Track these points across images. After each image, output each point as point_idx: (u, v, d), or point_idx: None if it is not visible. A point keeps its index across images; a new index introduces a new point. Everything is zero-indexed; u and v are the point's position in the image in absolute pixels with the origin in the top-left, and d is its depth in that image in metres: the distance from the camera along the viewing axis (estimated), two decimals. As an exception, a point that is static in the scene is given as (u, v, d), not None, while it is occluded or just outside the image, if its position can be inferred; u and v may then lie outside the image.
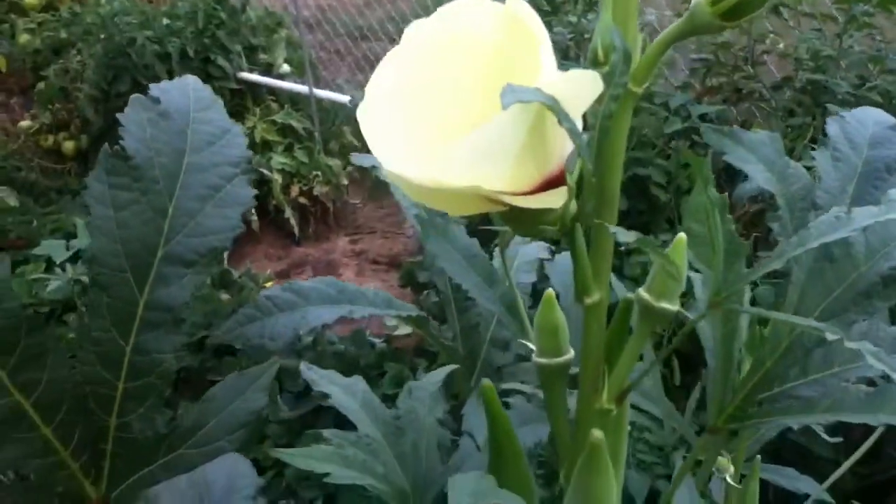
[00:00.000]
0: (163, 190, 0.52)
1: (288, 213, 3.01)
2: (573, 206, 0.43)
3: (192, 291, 0.51)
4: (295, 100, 3.15)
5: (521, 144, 0.37)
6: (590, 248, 0.45)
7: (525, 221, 0.42)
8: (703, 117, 2.14)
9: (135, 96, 0.54)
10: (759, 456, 0.87)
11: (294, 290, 0.77)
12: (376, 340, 2.61)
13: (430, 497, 0.59)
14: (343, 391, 0.63)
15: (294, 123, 3.08)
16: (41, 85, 3.37)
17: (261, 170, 2.89)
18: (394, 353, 2.58)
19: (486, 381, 0.49)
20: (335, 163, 3.09)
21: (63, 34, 3.45)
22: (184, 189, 0.52)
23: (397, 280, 3.06)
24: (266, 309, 0.75)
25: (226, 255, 3.21)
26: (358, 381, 0.65)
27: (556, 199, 0.41)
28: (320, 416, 2.42)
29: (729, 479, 0.85)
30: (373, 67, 0.42)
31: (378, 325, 2.90)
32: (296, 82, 3.12)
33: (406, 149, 0.39)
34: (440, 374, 0.66)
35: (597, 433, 0.44)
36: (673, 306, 0.46)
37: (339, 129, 3.18)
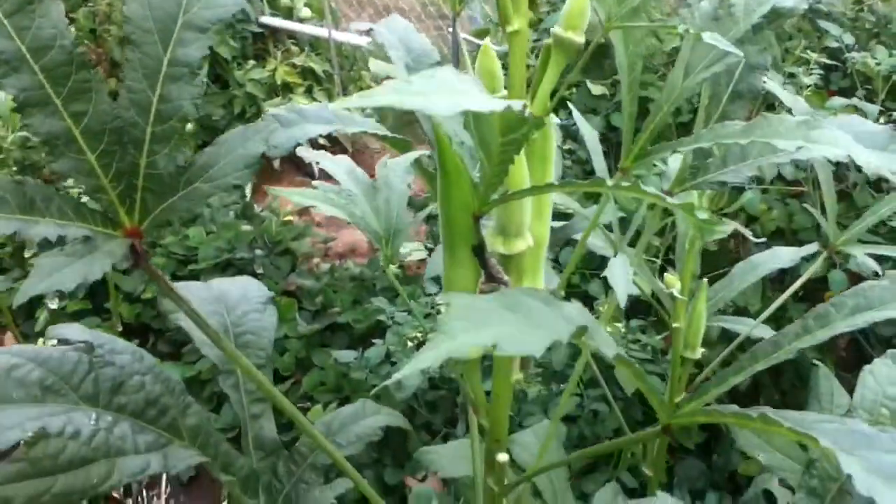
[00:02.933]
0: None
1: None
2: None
3: (203, 52, 0.64)
4: (315, 44, 3.28)
5: None
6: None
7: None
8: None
9: None
10: (705, 279, 1.00)
11: (296, 110, 0.90)
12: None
13: (399, 241, 0.72)
14: (332, 162, 0.76)
15: (314, 66, 3.21)
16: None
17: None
18: (407, 277, 2.71)
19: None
20: (353, 105, 3.21)
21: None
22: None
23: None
24: (272, 125, 0.88)
25: (248, 191, 3.35)
26: (345, 158, 0.78)
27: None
28: (335, 333, 2.57)
29: (676, 293, 0.97)
30: None
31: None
32: (316, 26, 3.25)
33: None
34: (411, 155, 0.78)
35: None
36: (579, 38, 0.58)
37: (358, 73, 3.31)
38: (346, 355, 2.25)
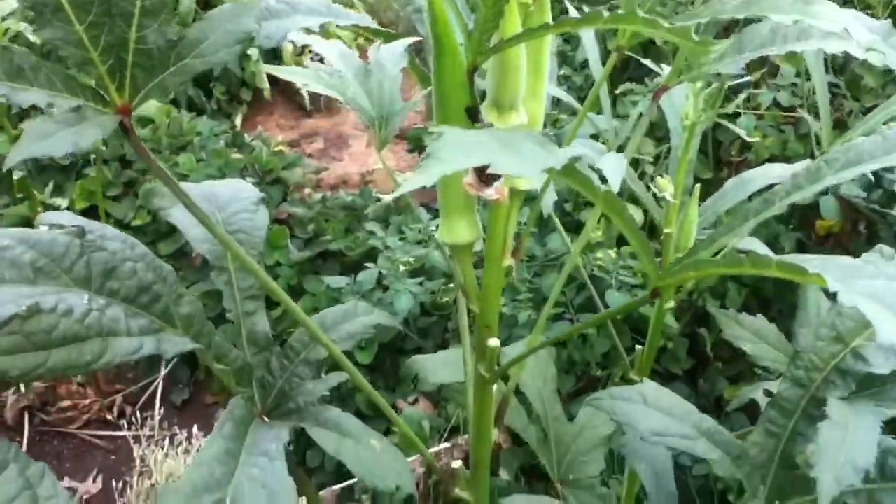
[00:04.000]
0: None
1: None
2: None
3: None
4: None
5: None
6: None
7: None
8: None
9: None
10: (698, 185, 0.99)
11: (287, 2, 0.88)
12: (382, 196, 2.74)
13: (393, 125, 0.71)
14: (325, 45, 0.75)
15: (306, -6, 3.14)
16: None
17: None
18: (398, 207, 2.71)
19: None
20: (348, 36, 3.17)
21: None
22: None
23: (405, 148, 3.17)
24: (263, 15, 0.87)
25: (238, 121, 3.32)
26: (337, 43, 0.77)
27: None
28: (327, 260, 2.58)
29: (668, 197, 0.97)
30: None
31: (386, 181, 3.03)
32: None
33: None
34: (406, 40, 0.78)
35: None
36: None
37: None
38: (338, 281, 2.26)
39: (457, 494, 0.81)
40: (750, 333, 0.90)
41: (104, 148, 2.86)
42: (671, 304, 0.98)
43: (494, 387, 0.78)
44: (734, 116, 1.82)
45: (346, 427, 0.82)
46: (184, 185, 1.02)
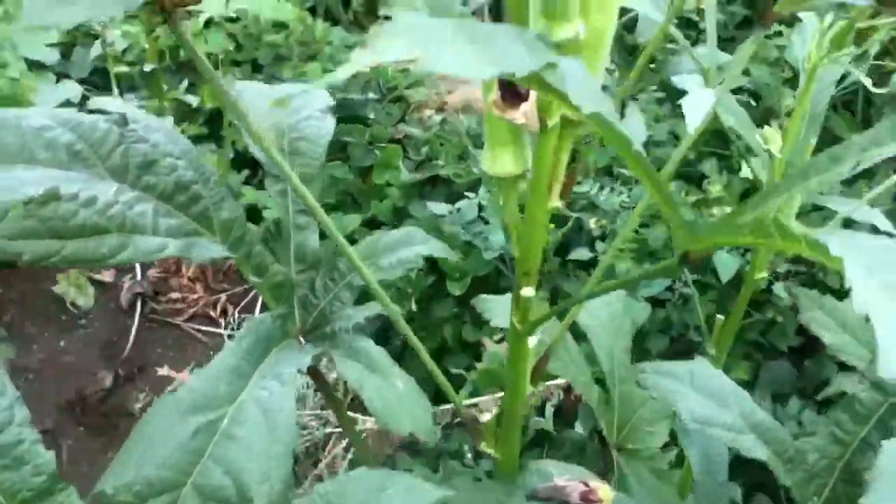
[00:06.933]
0: None
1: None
2: None
3: None
4: None
5: None
6: None
7: None
8: None
9: None
10: (813, 140, 0.87)
11: None
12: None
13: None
14: None
15: None
16: None
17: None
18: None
19: None
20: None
21: None
22: None
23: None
24: None
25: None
26: None
27: None
28: (436, 186, 2.53)
29: (774, 151, 0.86)
30: None
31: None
32: None
33: None
34: None
35: None
36: None
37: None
38: (441, 208, 2.21)
39: (483, 448, 0.75)
40: (832, 320, 0.78)
41: (233, 49, 2.89)
42: (763, 273, 0.87)
43: (534, 339, 0.71)
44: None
45: (375, 361, 0.77)
46: (260, 85, 0.99)
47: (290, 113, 0.91)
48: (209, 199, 0.76)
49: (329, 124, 0.90)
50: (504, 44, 0.31)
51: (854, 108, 1.78)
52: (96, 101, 0.77)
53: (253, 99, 0.90)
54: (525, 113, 0.46)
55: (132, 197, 0.69)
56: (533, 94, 0.46)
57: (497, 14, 2.13)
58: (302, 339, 0.84)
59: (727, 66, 0.77)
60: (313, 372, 0.89)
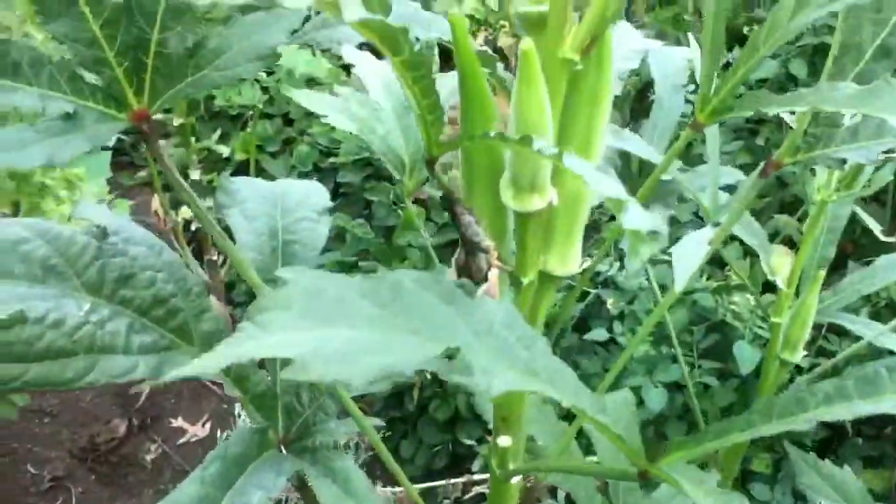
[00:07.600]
0: None
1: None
2: None
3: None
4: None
5: None
6: None
7: None
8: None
9: None
10: (822, 271, 0.83)
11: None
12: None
13: (424, 174, 0.62)
14: (370, 68, 0.66)
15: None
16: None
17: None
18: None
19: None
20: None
21: None
22: None
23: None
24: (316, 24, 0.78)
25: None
26: (386, 65, 0.67)
27: None
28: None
29: (780, 284, 0.82)
30: None
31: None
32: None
33: None
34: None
35: (527, 43, 0.44)
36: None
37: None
38: (461, 275, 2.18)
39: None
40: (828, 486, 0.73)
41: (266, 103, 2.92)
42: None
43: (516, 482, 0.67)
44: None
45: (352, 485, 0.74)
46: (256, 181, 0.97)
47: (285, 212, 0.89)
48: (189, 312, 0.74)
49: (323, 228, 0.87)
50: (442, 318, 0.28)
51: (884, 200, 1.73)
52: (84, 210, 0.75)
53: (247, 196, 0.88)
54: (485, 291, 0.43)
55: (105, 314, 0.67)
56: (493, 273, 0.43)
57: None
58: (283, 449, 0.82)
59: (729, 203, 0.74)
60: (299, 483, 0.86)
